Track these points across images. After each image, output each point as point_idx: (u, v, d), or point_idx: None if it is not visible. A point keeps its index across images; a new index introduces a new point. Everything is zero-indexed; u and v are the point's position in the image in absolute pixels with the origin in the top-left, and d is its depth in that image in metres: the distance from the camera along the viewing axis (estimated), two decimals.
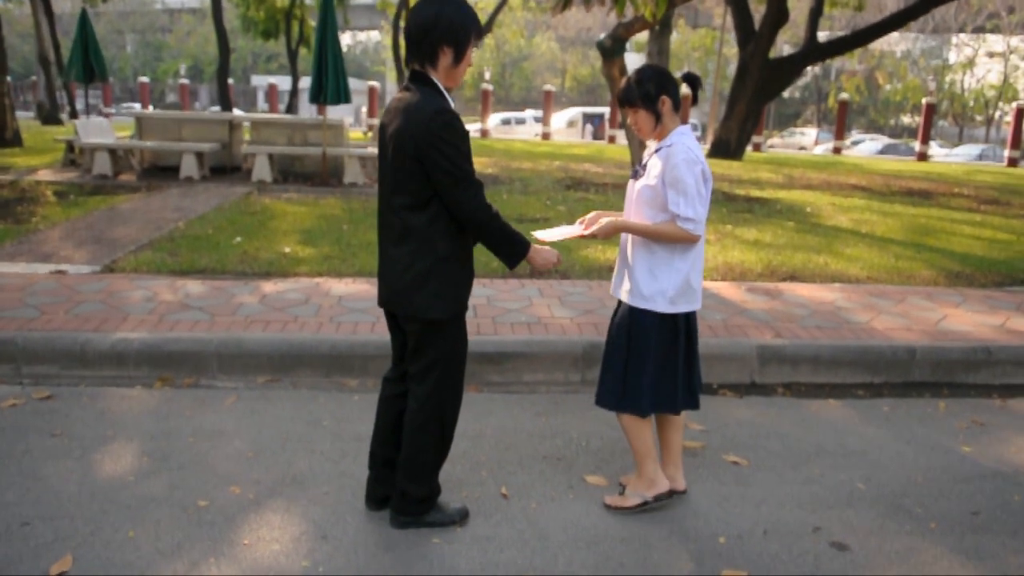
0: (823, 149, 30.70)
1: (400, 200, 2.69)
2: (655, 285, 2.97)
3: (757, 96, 18.95)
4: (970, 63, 42.74)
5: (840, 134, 24.96)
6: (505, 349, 4.73)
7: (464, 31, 2.66)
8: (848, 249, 7.91)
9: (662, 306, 2.98)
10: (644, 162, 3.05)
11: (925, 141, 23.89)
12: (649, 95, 2.93)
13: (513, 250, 2.80)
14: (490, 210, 2.70)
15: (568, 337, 4.85)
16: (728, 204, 10.79)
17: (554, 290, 5.91)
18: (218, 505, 3.11)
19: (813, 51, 19.33)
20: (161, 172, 11.32)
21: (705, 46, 37.44)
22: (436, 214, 2.68)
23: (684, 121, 3.10)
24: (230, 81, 32.95)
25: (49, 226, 7.57)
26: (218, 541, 2.86)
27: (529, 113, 33.81)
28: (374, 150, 11.21)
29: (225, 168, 11.59)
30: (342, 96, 10.35)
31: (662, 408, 3.13)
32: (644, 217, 2.97)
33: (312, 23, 28.77)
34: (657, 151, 2.98)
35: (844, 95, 25.16)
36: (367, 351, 4.64)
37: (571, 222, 3.12)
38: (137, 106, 29.24)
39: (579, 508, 3.21)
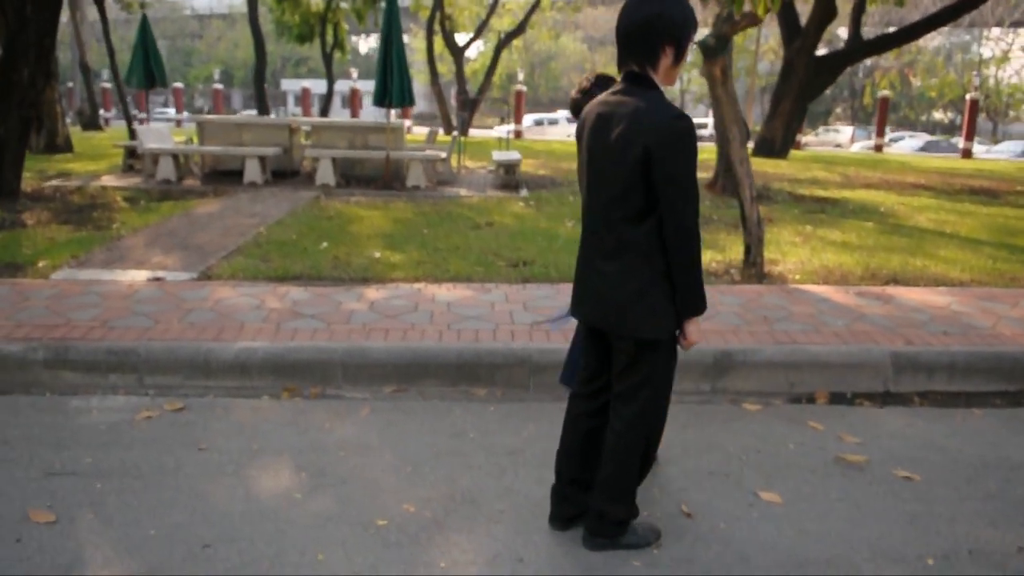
0: (860, 147, 30.30)
1: (619, 212, 2.53)
2: None
3: (802, 94, 18.69)
4: (1005, 58, 42.06)
5: (881, 131, 24.60)
6: None
7: (686, 29, 2.51)
8: (940, 251, 7.69)
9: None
10: None
11: (969, 138, 23.49)
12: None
13: (699, 294, 2.58)
14: (699, 236, 2.53)
15: (698, 346, 4.68)
16: (798, 205, 10.60)
17: None
18: (397, 524, 2.98)
19: (859, 48, 19.04)
20: (222, 176, 11.28)
21: (735, 43, 37.05)
22: (653, 227, 2.51)
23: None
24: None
25: (131, 232, 7.51)
26: (412, 564, 2.73)
27: (561, 114, 33.63)
28: (436, 153, 11.12)
29: (285, 172, 11.53)
30: (407, 98, 10.26)
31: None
32: None
33: (346, 27, 28.83)
34: None
35: (885, 91, 24.80)
36: (494, 360, 4.50)
37: None
38: (171, 111, 29.43)
39: (770, 528, 3.05)
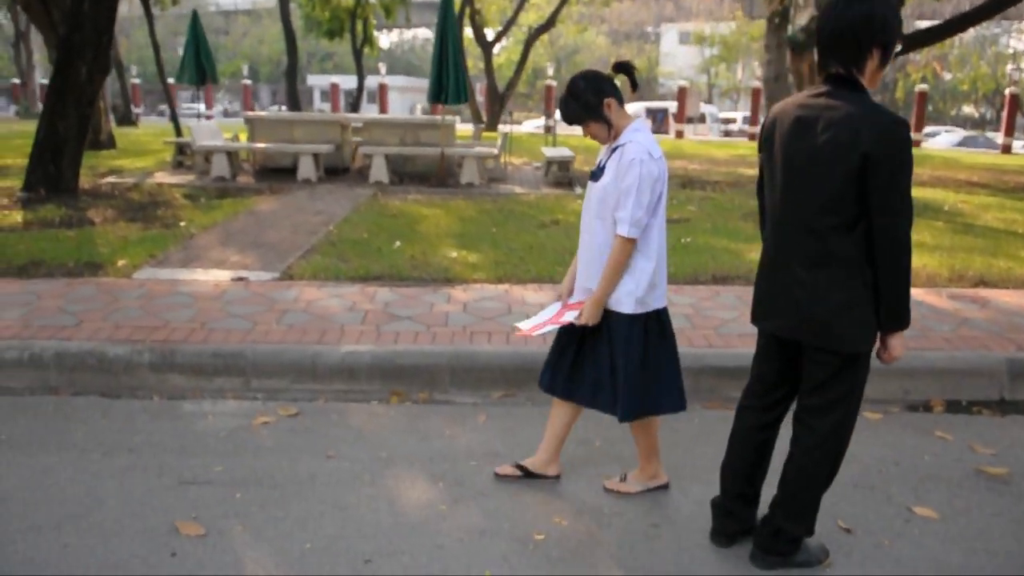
0: None
1: (827, 220, 2.39)
2: (621, 288, 2.92)
3: None
4: None
5: (919, 126, 24.23)
6: (746, 363, 4.45)
7: (894, 32, 2.39)
8: (1021, 252, 7.51)
9: (628, 307, 2.93)
10: (602, 163, 2.98)
11: (1010, 133, 23.12)
12: (591, 106, 2.87)
13: (907, 307, 2.46)
14: (911, 245, 2.41)
15: None
16: None
17: None
18: (555, 538, 2.90)
19: (903, 41, 18.77)
20: (274, 173, 11.24)
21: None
22: (862, 236, 2.39)
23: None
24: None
25: (200, 230, 7.47)
26: None
27: None
28: (489, 149, 11.02)
29: (336, 169, 11.47)
30: (462, 95, 10.17)
31: (656, 410, 3.07)
32: (599, 217, 2.92)
33: (374, 22, 28.76)
34: (614, 150, 2.92)
35: (923, 85, 24.44)
36: None
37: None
38: (200, 107, 29.48)
39: (935, 545, 2.94)
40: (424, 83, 47.32)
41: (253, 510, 3.03)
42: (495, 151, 10.97)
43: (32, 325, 4.64)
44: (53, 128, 9.16)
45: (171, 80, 29.82)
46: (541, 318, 3.15)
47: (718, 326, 4.95)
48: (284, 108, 25.67)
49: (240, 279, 5.78)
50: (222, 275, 5.88)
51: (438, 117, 11.03)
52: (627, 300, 2.92)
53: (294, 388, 4.30)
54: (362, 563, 2.72)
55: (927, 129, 31.74)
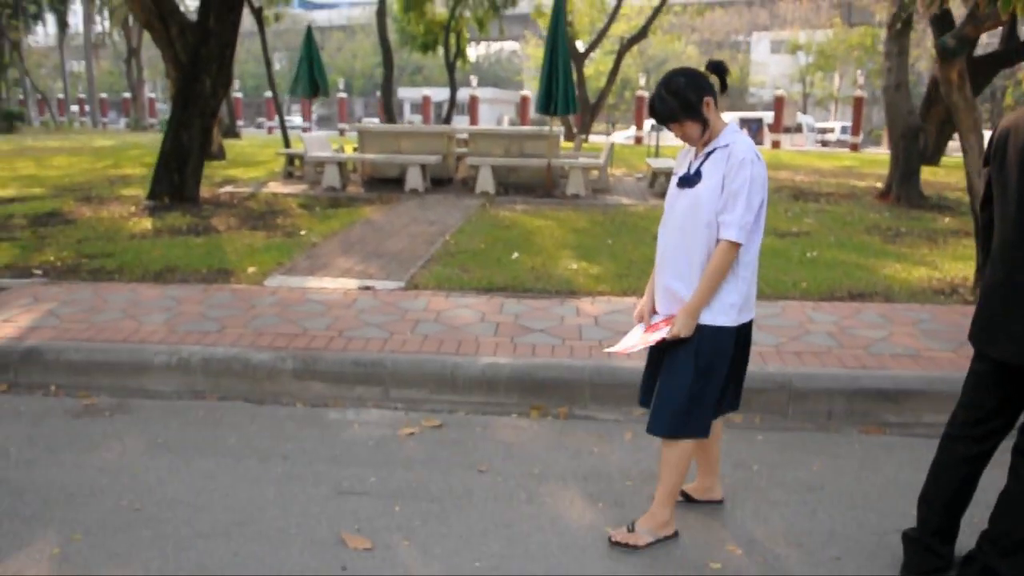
0: None
1: None
2: (721, 299, 2.71)
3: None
4: None
5: None
6: (904, 386, 4.18)
7: None
8: None
9: (730, 318, 2.72)
10: (695, 168, 2.73)
11: None
12: (690, 104, 2.64)
13: None
14: None
15: None
16: None
17: (902, 315, 5.30)
18: (732, 568, 2.73)
19: (1018, 48, 17.74)
20: (381, 184, 11.40)
21: (864, 45, 35.41)
22: None
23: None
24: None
25: (321, 239, 7.59)
26: None
27: None
28: (595, 160, 10.90)
29: (441, 180, 11.56)
30: (571, 105, 10.09)
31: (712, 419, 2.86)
32: (700, 225, 2.68)
33: (467, 35, 29.08)
34: (711, 153, 2.70)
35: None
36: (751, 384, 4.17)
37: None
38: (298, 119, 30.53)
39: None
40: (511, 95, 47.47)
41: (415, 524, 2.97)
42: (600, 162, 10.83)
43: (178, 330, 4.76)
44: (178, 139, 9.52)
45: (283, 94, 30.76)
46: (628, 342, 2.92)
47: (867, 346, 4.67)
48: (377, 120, 26.18)
49: (367, 288, 5.82)
50: (349, 284, 5.93)
51: (545, 128, 10.97)
52: (729, 312, 2.73)
53: (433, 399, 4.25)
54: None
55: None
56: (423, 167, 10.69)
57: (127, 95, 36.31)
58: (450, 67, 27.66)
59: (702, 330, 2.72)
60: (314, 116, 36.26)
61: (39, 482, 3.25)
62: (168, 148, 9.57)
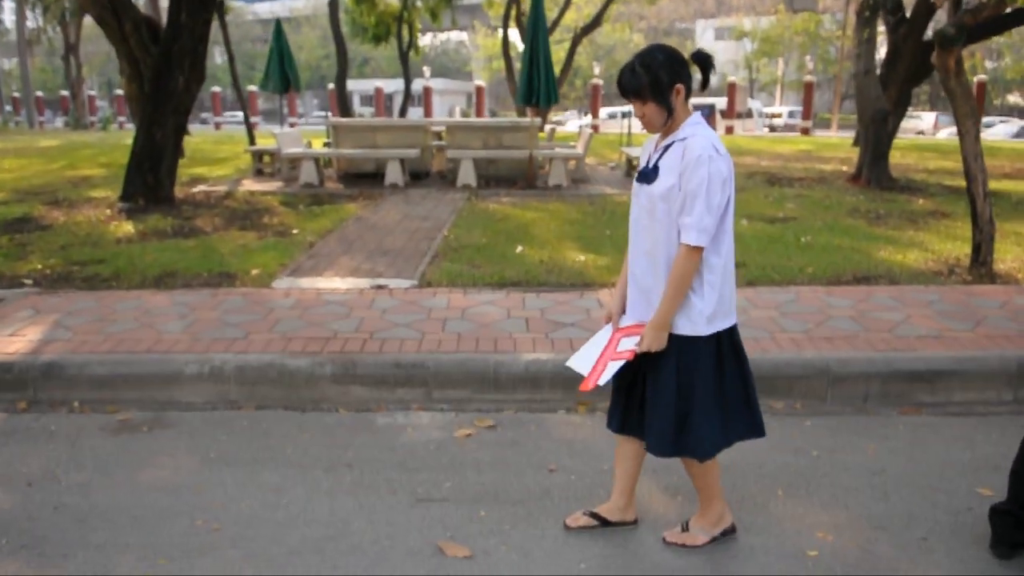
0: (948, 134, 29.30)
1: None
2: (691, 306, 2.55)
3: (909, 80, 18.08)
4: None
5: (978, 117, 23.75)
6: (936, 367, 4.30)
7: None
8: None
9: (700, 328, 2.56)
10: (653, 162, 2.58)
11: None
12: (660, 84, 2.46)
13: None
14: None
15: (1002, 352, 4.40)
16: (961, 197, 10.10)
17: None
18: (828, 553, 2.76)
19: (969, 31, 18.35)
20: (358, 179, 11.21)
21: (808, 31, 36.23)
22: None
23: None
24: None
25: (316, 238, 7.43)
26: None
27: None
28: (575, 151, 10.89)
29: (418, 173, 11.42)
30: (552, 97, 10.06)
31: (723, 444, 2.69)
32: (658, 225, 2.54)
33: (419, 26, 28.78)
34: (668, 147, 2.54)
35: (982, 76, 23.93)
36: (792, 371, 4.26)
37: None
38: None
39: None
40: (462, 85, 47.37)
41: (506, 528, 2.94)
42: (580, 152, 10.84)
43: (201, 338, 4.60)
44: (150, 138, 9.20)
45: (253, 88, 29.95)
46: (593, 350, 2.73)
47: (891, 328, 4.78)
48: (329, 114, 25.71)
49: (380, 287, 5.72)
50: (360, 283, 5.82)
51: (527, 119, 10.92)
52: (697, 320, 2.55)
53: (476, 398, 4.21)
54: None
55: (983, 120, 31.10)
56: (402, 161, 10.55)
57: (64, 93, 34.96)
58: (403, 58, 27.33)
59: (676, 341, 2.57)
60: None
61: (100, 506, 3.11)
62: (140, 147, 9.24)
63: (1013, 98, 47.57)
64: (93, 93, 36.55)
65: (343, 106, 25.06)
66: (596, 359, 2.68)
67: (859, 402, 4.25)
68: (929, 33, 16.27)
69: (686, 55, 2.55)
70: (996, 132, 26.98)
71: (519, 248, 6.90)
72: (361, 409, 4.11)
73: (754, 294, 5.52)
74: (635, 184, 2.67)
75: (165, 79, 9.12)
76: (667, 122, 2.52)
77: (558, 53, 37.77)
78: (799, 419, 4.01)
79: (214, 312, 5.11)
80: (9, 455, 3.58)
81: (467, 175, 10.46)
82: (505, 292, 5.56)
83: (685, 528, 2.84)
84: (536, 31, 10.01)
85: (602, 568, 2.69)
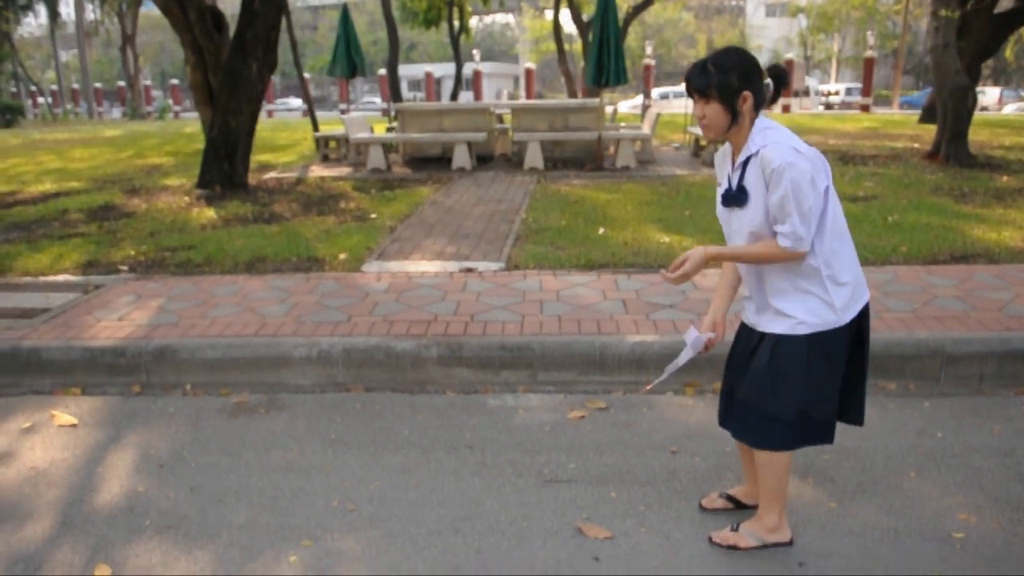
0: (1013, 108, 28.33)
1: None
2: (795, 313, 2.47)
3: (979, 54, 17.46)
4: None
5: None
6: None
7: None
8: None
9: (829, 319, 2.47)
10: (735, 182, 2.45)
11: None
12: (728, 86, 2.34)
13: None
14: None
15: None
16: None
17: None
18: (977, 534, 2.70)
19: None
20: (424, 163, 11.26)
21: (866, 5, 35.19)
22: None
23: None
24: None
25: (396, 222, 7.49)
26: None
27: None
28: (643, 132, 10.78)
29: (483, 157, 11.42)
30: (622, 76, 9.95)
31: (818, 440, 2.61)
32: (763, 243, 2.43)
33: (470, 10, 28.69)
34: (746, 163, 2.41)
35: None
36: (904, 351, 4.16)
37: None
38: (296, 101, 30.19)
39: None
40: (509, 68, 46.99)
41: (640, 509, 2.93)
42: (648, 133, 10.72)
43: (306, 322, 4.67)
44: (226, 126, 9.35)
45: (306, 75, 30.25)
46: (682, 359, 2.70)
47: (1001, 308, 4.64)
48: (378, 99, 25.84)
49: (469, 270, 5.74)
50: (449, 266, 5.85)
51: (595, 100, 10.82)
52: (800, 327, 2.47)
53: (582, 380, 4.20)
54: (796, 565, 2.58)
55: None
56: (470, 145, 10.56)
57: (122, 83, 35.76)
58: (454, 42, 27.33)
59: (803, 340, 2.47)
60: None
61: (234, 487, 3.18)
62: (216, 135, 9.40)
63: None
64: (149, 83, 37.30)
65: (395, 91, 25.18)
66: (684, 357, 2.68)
67: (975, 383, 4.13)
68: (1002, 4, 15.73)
69: (753, 51, 2.47)
70: None
71: (601, 230, 6.85)
72: (467, 391, 4.14)
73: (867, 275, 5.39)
74: (720, 207, 2.57)
75: (239, 67, 9.25)
76: (730, 128, 2.41)
77: None
78: (916, 400, 3.92)
79: (311, 296, 5.19)
80: (136, 438, 3.68)
81: (534, 158, 10.41)
82: (595, 274, 5.53)
83: (735, 528, 2.72)
84: (606, 10, 9.89)
85: (758, 556, 2.65)
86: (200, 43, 14.34)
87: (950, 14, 10.56)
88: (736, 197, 2.45)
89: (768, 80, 2.45)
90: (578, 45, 33.81)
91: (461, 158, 10.50)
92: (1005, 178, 9.42)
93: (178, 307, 5.07)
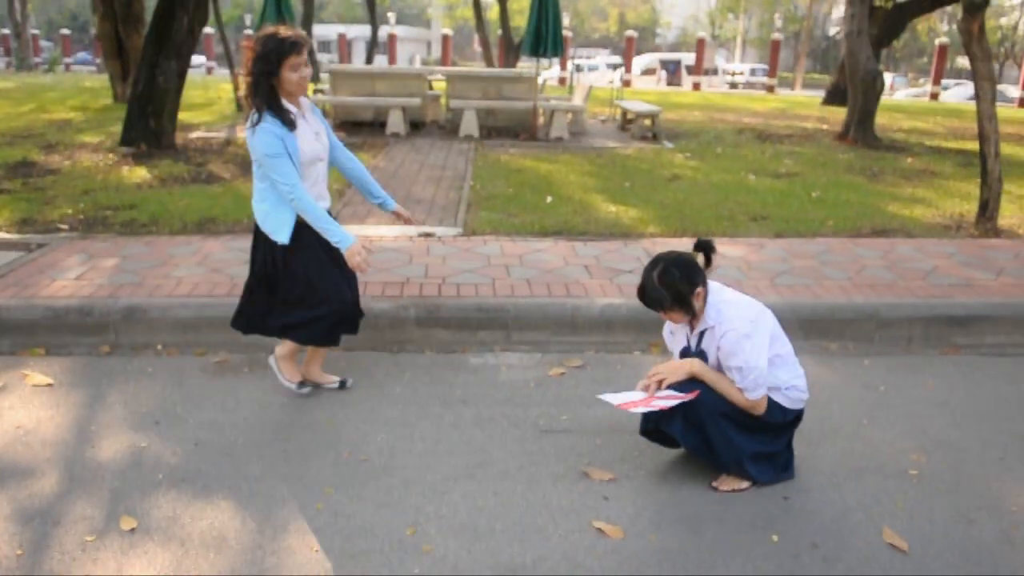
0: (905, 95, 30.10)
1: None
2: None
3: (879, 42, 18.55)
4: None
5: (938, 79, 24.48)
6: (973, 312, 4.66)
7: None
8: None
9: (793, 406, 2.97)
10: (695, 346, 2.91)
11: None
12: (683, 296, 2.77)
13: None
14: None
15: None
16: (943, 157, 10.57)
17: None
18: (930, 469, 3.08)
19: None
20: (355, 127, 11.14)
21: None
22: None
23: None
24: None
25: (342, 186, 7.44)
26: None
27: (601, 59, 33.08)
28: (578, 103, 11.00)
29: (415, 123, 11.40)
30: (559, 47, 10.11)
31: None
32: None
33: None
34: (703, 333, 2.87)
35: (943, 39, 24.58)
36: (844, 315, 4.57)
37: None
38: (202, 58, 28.89)
39: None
40: (421, 33, 46.10)
41: (635, 455, 3.17)
42: (582, 104, 10.96)
43: None
44: (153, 81, 8.99)
45: (209, 30, 28.82)
46: (631, 398, 2.90)
47: (924, 277, 5.13)
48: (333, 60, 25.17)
49: (428, 235, 5.84)
50: (407, 230, 5.92)
51: (530, 70, 10.95)
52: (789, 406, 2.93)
53: (554, 340, 4.41)
54: (781, 499, 2.88)
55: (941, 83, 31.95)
56: (404, 110, 10.52)
57: (5, 31, 33.25)
58: (370, 4, 26.75)
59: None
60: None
61: (240, 442, 3.24)
62: (142, 91, 9.03)
63: (963, 60, 48.83)
64: (36, 32, 34.81)
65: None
66: (635, 400, 2.87)
67: (905, 343, 4.58)
68: None
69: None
70: (952, 95, 27.81)
71: (548, 199, 7.06)
72: (446, 351, 4.28)
73: (788, 245, 5.81)
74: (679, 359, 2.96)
75: (168, 20, 8.89)
76: (692, 316, 2.83)
77: (521, 3, 37.43)
78: (856, 359, 4.33)
79: None
80: (121, 396, 3.66)
81: (470, 126, 10.50)
82: (552, 240, 5.74)
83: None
84: None
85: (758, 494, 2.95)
86: None
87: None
88: (697, 355, 2.89)
89: (700, 255, 2.86)
90: (494, 12, 33.71)
91: (396, 123, 10.46)
92: (910, 160, 10.17)
93: (136, 267, 4.97)
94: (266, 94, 3.21)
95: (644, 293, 2.83)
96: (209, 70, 31.89)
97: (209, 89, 18.94)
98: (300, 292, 3.40)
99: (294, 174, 3.22)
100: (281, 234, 3.33)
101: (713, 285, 2.88)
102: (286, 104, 3.26)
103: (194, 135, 10.66)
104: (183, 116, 12.80)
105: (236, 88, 13.24)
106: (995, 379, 4.09)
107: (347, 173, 3.76)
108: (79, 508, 2.77)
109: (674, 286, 2.76)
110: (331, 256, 3.39)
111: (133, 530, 2.65)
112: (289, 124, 3.22)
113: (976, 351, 4.53)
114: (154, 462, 3.07)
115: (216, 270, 4.91)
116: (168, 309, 4.35)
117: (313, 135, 3.39)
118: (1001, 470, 3.15)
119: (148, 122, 9.07)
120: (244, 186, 7.33)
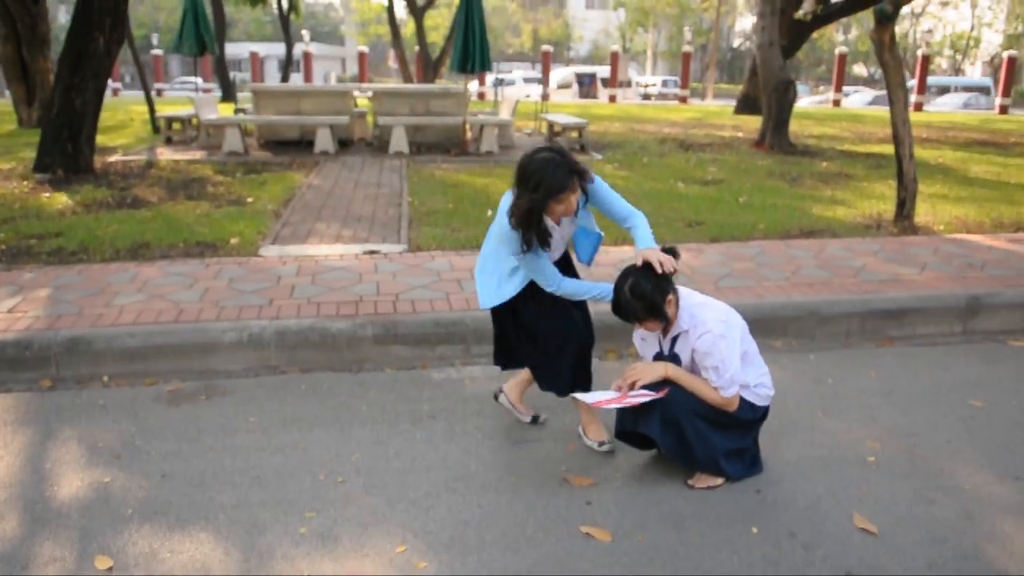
0: (808, 102, 31.49)
1: None
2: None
3: (784, 53, 19.42)
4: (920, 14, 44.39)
5: (839, 86, 25.75)
6: (904, 305, 4.93)
7: None
8: None
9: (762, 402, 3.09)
10: (668, 350, 3.03)
11: (921, 91, 24.89)
12: (656, 306, 2.85)
13: None
14: None
15: (951, 291, 5.09)
16: (854, 160, 11.13)
17: None
18: (886, 455, 3.24)
19: (836, 10, 19.86)
20: (281, 147, 10.95)
21: (680, 3, 37.75)
22: None
23: None
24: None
25: (278, 205, 7.32)
26: None
27: (518, 74, 33.44)
28: (507, 118, 11.10)
29: (344, 141, 11.28)
30: (487, 62, 10.20)
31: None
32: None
33: None
34: (676, 337, 2.99)
35: (842, 48, 25.88)
36: (786, 313, 4.77)
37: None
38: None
39: None
40: (336, 51, 45.71)
41: (609, 459, 3.23)
42: (509, 119, 11.07)
43: (227, 306, 4.57)
44: (69, 104, 8.64)
45: (158, 52, 27.66)
46: (605, 396, 3.01)
47: (855, 274, 5.40)
48: (200, 80, 24.46)
49: (374, 252, 5.80)
50: (352, 248, 5.87)
51: (459, 86, 10.99)
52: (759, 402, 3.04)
53: None
54: (754, 492, 2.99)
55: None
56: (332, 128, 10.41)
57: None
58: (284, 21, 26.37)
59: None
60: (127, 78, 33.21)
61: (209, 470, 3.15)
62: (57, 114, 8.66)
63: (858, 68, 51.54)
64: None
65: (223, 71, 23.95)
66: (608, 398, 2.96)
67: (843, 338, 4.82)
68: (800, 12, 17.56)
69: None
70: (852, 101, 29.30)
71: (489, 212, 7.10)
72: (406, 367, 4.26)
73: (725, 249, 6.02)
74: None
75: (84, 40, 8.56)
76: (667, 323, 2.92)
77: (435, 19, 37.58)
78: (801, 355, 4.52)
79: (219, 281, 5.05)
80: (74, 432, 3.50)
81: (399, 142, 10.46)
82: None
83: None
84: None
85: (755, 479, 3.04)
86: (12, 13, 13.05)
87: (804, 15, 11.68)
88: (671, 359, 2.99)
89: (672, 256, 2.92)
90: (408, 29, 33.73)
91: (324, 142, 10.34)
92: (824, 164, 10.67)
93: (72, 297, 4.76)
94: (536, 226, 2.97)
95: (619, 307, 2.91)
96: (115, 91, 30.69)
97: (119, 111, 18.26)
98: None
99: (555, 274, 3.16)
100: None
101: (683, 291, 2.98)
102: (548, 223, 3.07)
103: (112, 158, 10.27)
104: (99, 139, 12.37)
105: (152, 110, 12.84)
106: (931, 367, 4.34)
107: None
108: (47, 550, 2.64)
109: (646, 297, 2.84)
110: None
111: (111, 569, 2.54)
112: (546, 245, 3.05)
113: (910, 342, 4.80)
114: (121, 497, 2.96)
115: (158, 296, 4.75)
116: (114, 339, 4.19)
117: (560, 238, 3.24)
118: (951, 452, 3.35)
119: (65, 146, 8.70)
120: (173, 210, 7.12)
